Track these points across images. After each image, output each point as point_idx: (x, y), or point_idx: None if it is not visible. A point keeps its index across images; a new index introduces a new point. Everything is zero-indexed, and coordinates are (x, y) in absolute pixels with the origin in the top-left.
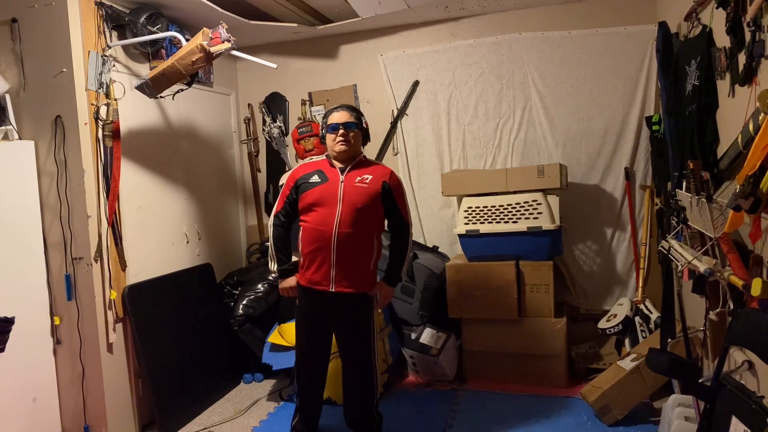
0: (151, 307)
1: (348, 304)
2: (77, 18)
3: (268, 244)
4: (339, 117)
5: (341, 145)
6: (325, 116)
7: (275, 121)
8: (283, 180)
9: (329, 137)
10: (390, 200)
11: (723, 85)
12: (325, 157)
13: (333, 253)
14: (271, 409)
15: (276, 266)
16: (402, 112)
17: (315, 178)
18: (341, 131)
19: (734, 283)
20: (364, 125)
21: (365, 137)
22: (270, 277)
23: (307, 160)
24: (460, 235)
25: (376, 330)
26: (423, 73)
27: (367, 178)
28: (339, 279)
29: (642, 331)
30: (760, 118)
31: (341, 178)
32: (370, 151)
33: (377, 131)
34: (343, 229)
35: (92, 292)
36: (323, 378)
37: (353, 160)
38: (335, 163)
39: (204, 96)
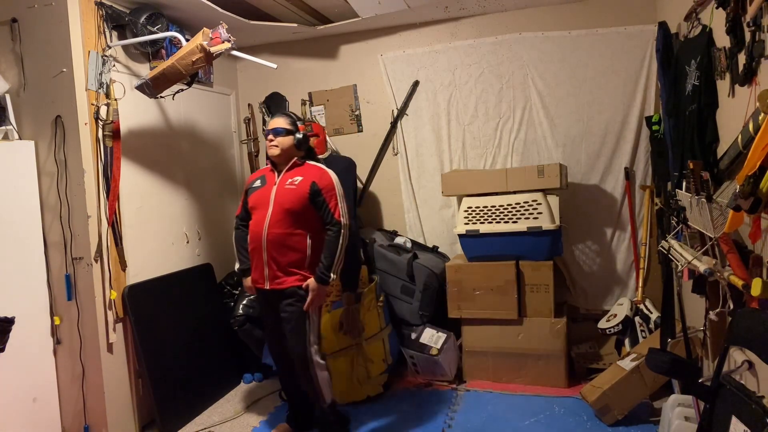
0: (151, 307)
1: (281, 301)
2: (77, 18)
3: None
4: (270, 124)
5: (270, 149)
6: None
7: None
8: None
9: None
10: (319, 200)
11: (723, 85)
12: (270, 163)
13: (264, 252)
14: (271, 409)
15: (237, 266)
16: (402, 112)
17: (257, 183)
18: (269, 137)
19: (734, 283)
20: (299, 130)
21: (301, 142)
22: None
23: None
24: (460, 235)
25: (313, 328)
26: (423, 73)
27: (296, 180)
28: (272, 277)
29: (642, 331)
30: (760, 118)
31: (276, 181)
32: (369, 151)
33: (377, 131)
34: (273, 230)
35: (92, 292)
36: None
37: (287, 163)
38: (276, 168)
39: (204, 96)
